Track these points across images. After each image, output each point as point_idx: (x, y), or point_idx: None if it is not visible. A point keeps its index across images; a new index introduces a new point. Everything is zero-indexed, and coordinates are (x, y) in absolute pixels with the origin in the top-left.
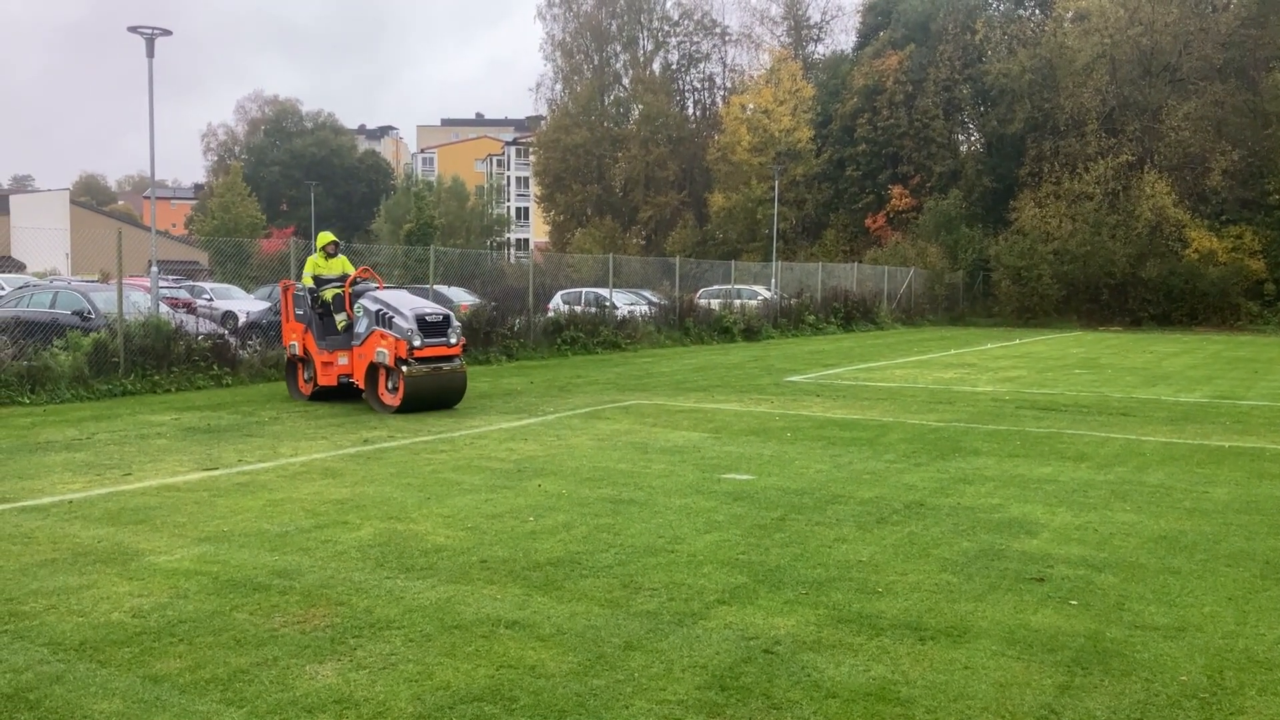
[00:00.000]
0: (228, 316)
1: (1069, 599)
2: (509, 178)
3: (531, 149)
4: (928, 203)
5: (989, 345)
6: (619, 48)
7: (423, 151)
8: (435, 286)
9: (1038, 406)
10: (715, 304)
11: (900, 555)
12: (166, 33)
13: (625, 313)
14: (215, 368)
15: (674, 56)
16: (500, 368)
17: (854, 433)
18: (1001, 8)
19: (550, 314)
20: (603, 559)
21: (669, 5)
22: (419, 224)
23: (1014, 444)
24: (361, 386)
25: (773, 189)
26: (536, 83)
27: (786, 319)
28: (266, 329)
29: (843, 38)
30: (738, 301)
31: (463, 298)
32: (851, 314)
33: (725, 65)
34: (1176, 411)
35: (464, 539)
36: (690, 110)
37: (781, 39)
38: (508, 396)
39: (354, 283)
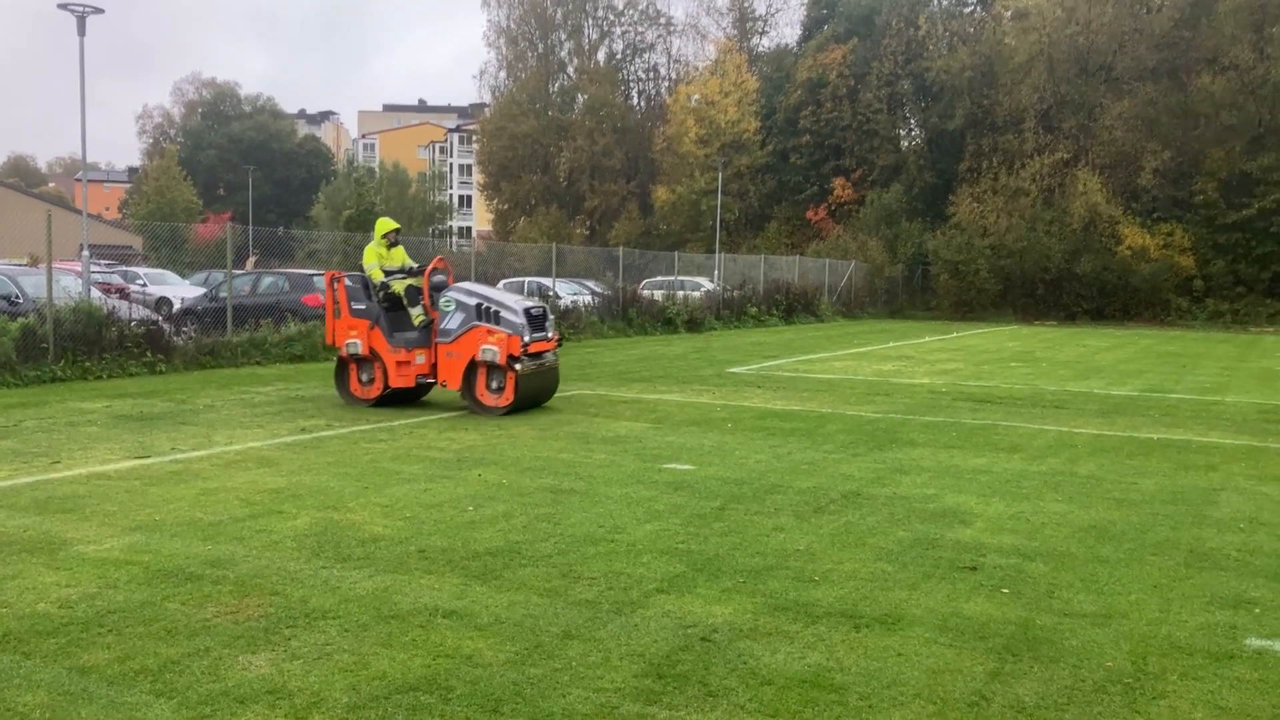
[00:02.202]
0: (162, 302)
1: (1000, 587)
2: (452, 165)
3: (475, 137)
4: (869, 196)
5: (927, 338)
6: (564, 36)
7: (364, 137)
8: None
9: (974, 399)
10: (659, 295)
11: (837, 544)
12: (98, 11)
13: (569, 303)
14: (149, 354)
15: (619, 46)
16: None
17: (794, 424)
18: (943, 4)
19: None
20: (542, 548)
21: None
22: (359, 210)
23: (950, 435)
24: (451, 387)
25: (716, 180)
26: (480, 70)
27: (729, 311)
28: (202, 315)
29: (787, 31)
30: (681, 293)
31: None
32: (793, 306)
33: (670, 56)
34: (1108, 404)
35: (402, 529)
36: (635, 101)
37: (727, 30)
38: None
39: (431, 273)
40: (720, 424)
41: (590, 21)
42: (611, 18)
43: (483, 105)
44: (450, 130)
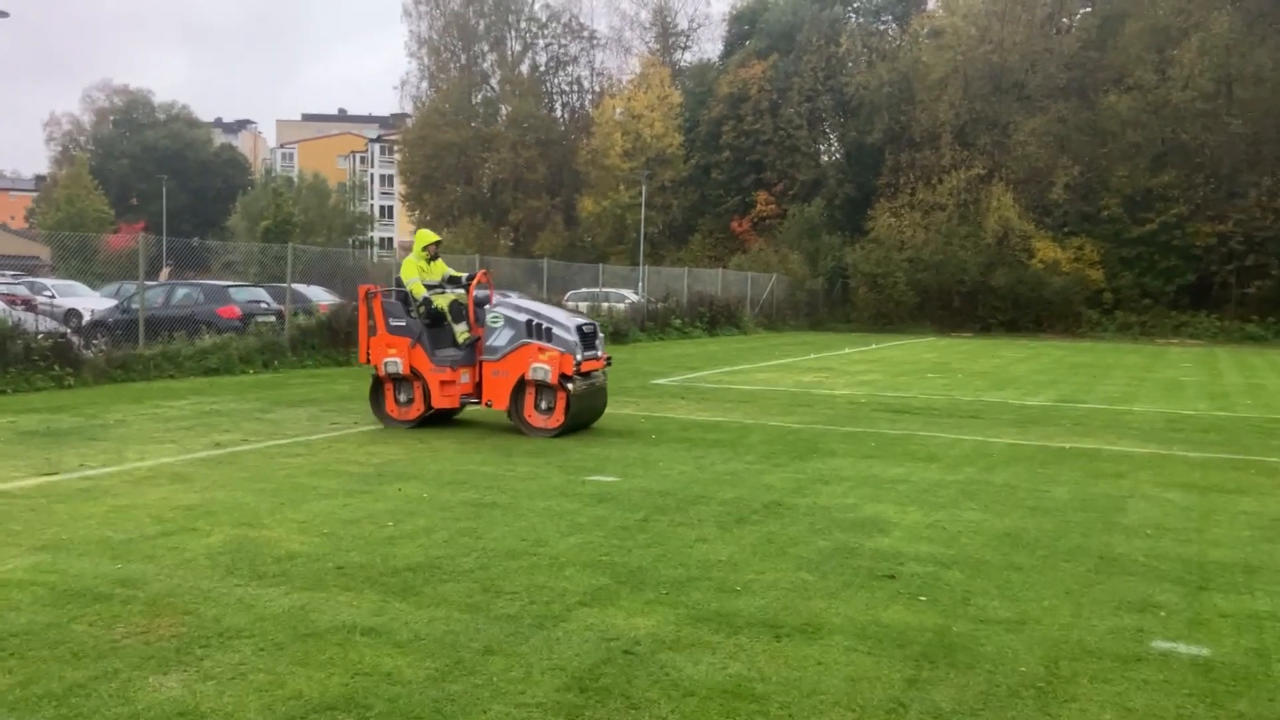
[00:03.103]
0: (71, 314)
1: (918, 595)
2: (373, 175)
3: (397, 147)
4: (791, 210)
5: (847, 350)
6: (486, 47)
7: (282, 147)
8: (293, 285)
9: (892, 409)
10: (583, 307)
11: (759, 554)
12: (2, 14)
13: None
14: (56, 368)
15: (542, 58)
16: (362, 369)
17: (717, 435)
18: (861, 21)
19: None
20: (463, 563)
21: (537, 7)
22: (277, 221)
23: (869, 445)
24: (497, 407)
25: (641, 194)
26: (402, 80)
27: (653, 322)
28: (113, 327)
29: (709, 46)
30: (605, 305)
31: (322, 297)
32: (716, 318)
33: (594, 69)
34: (1022, 414)
35: (319, 545)
36: (559, 113)
37: (650, 45)
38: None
39: (475, 287)
40: (644, 435)
41: (513, 33)
42: (534, 30)
43: (404, 115)
44: (371, 140)
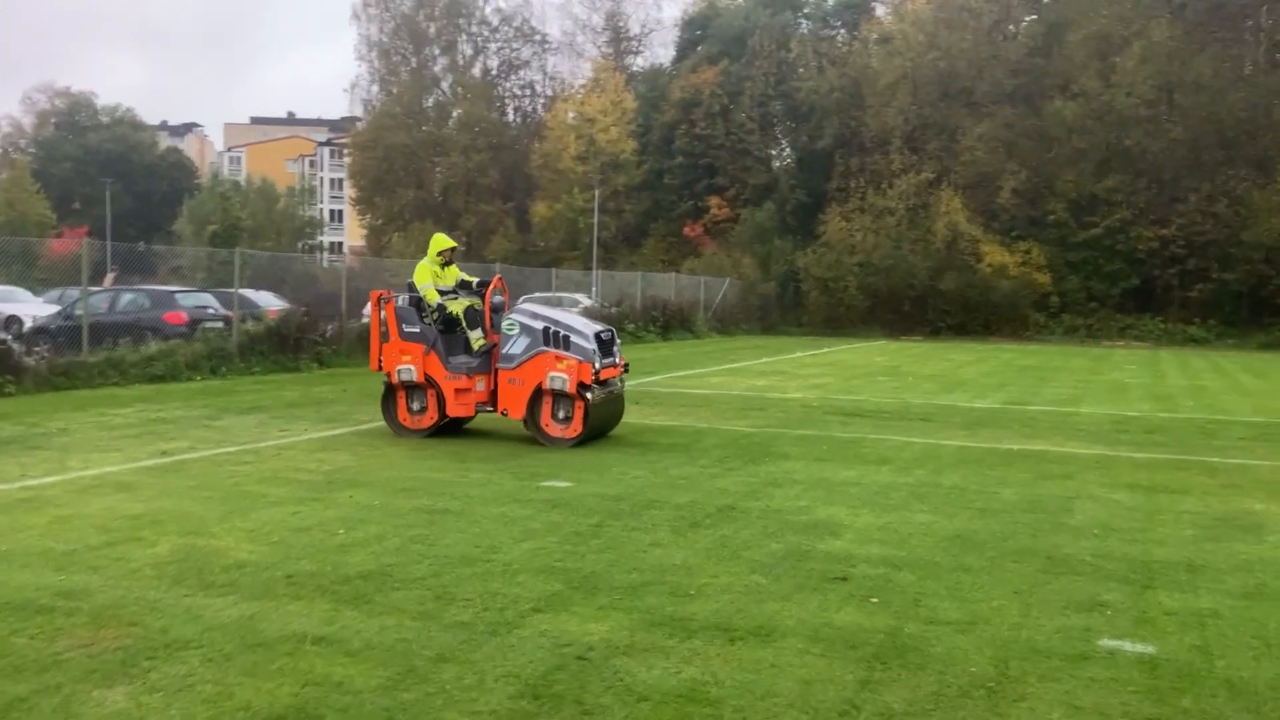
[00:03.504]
0: (11, 321)
1: (870, 597)
2: (322, 179)
3: (347, 150)
4: (743, 214)
5: (799, 354)
6: (438, 51)
7: (230, 150)
8: (241, 291)
9: (844, 412)
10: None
11: (712, 558)
12: None
13: None
14: None
15: (494, 62)
16: (311, 375)
17: (671, 439)
18: (811, 27)
19: (365, 320)
20: (416, 570)
21: (489, 10)
22: (224, 225)
23: (821, 448)
24: (513, 416)
25: (594, 198)
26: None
27: None
28: (56, 334)
29: (661, 51)
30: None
31: (271, 302)
32: (670, 322)
33: (546, 73)
34: (971, 417)
35: (268, 554)
36: (511, 117)
37: (603, 49)
38: (319, 405)
39: (491, 293)
40: (598, 441)
41: (464, 37)
42: (486, 33)
43: (354, 119)
44: (321, 144)
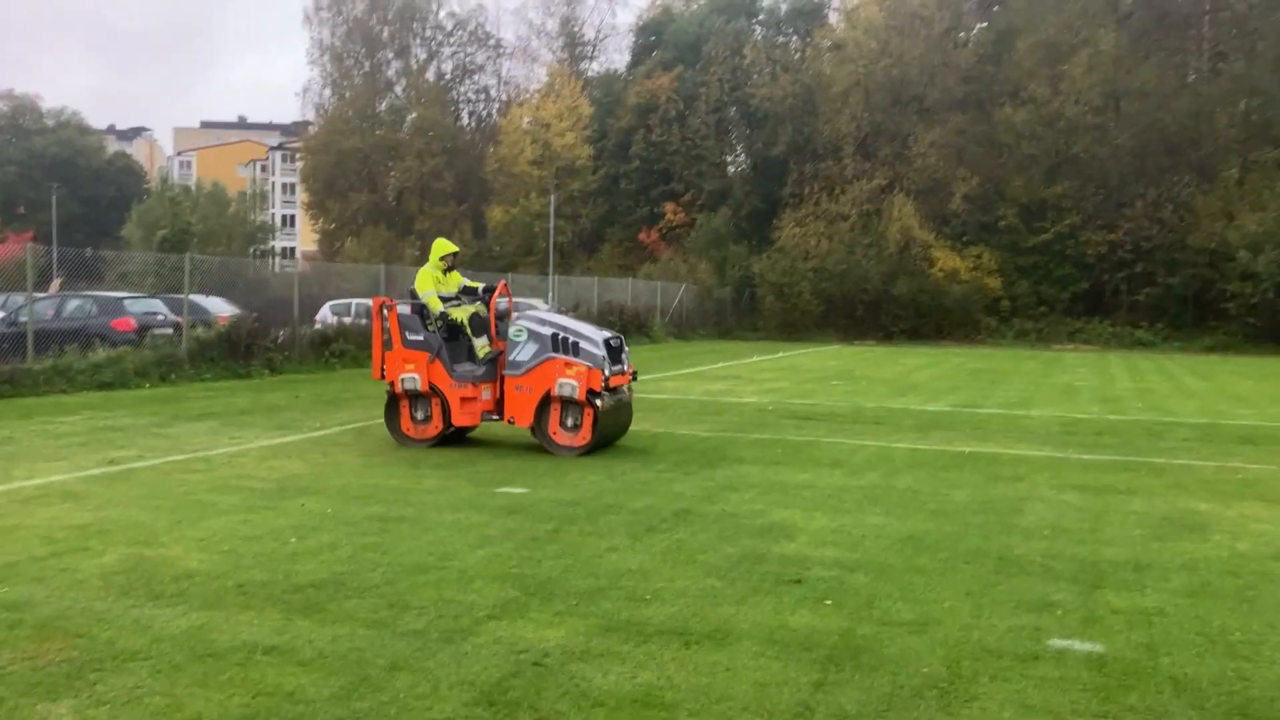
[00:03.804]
0: None
1: (824, 599)
2: (274, 183)
3: (299, 154)
4: (699, 220)
5: (755, 358)
6: (391, 55)
7: (180, 154)
8: (192, 297)
9: (798, 416)
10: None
11: (669, 562)
12: None
13: None
14: None
15: (448, 67)
16: (263, 382)
17: (627, 443)
18: (765, 33)
19: (318, 326)
20: (369, 578)
21: (442, 15)
22: (174, 230)
23: (776, 452)
24: (520, 425)
25: (550, 203)
26: (304, 87)
27: None
28: (0, 341)
29: (616, 56)
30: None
31: (221, 308)
32: (627, 328)
33: (500, 78)
34: (923, 419)
35: (219, 563)
36: (466, 121)
37: (558, 54)
38: (270, 412)
39: (496, 299)
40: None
41: (417, 41)
42: (440, 38)
43: (307, 123)
44: (272, 148)
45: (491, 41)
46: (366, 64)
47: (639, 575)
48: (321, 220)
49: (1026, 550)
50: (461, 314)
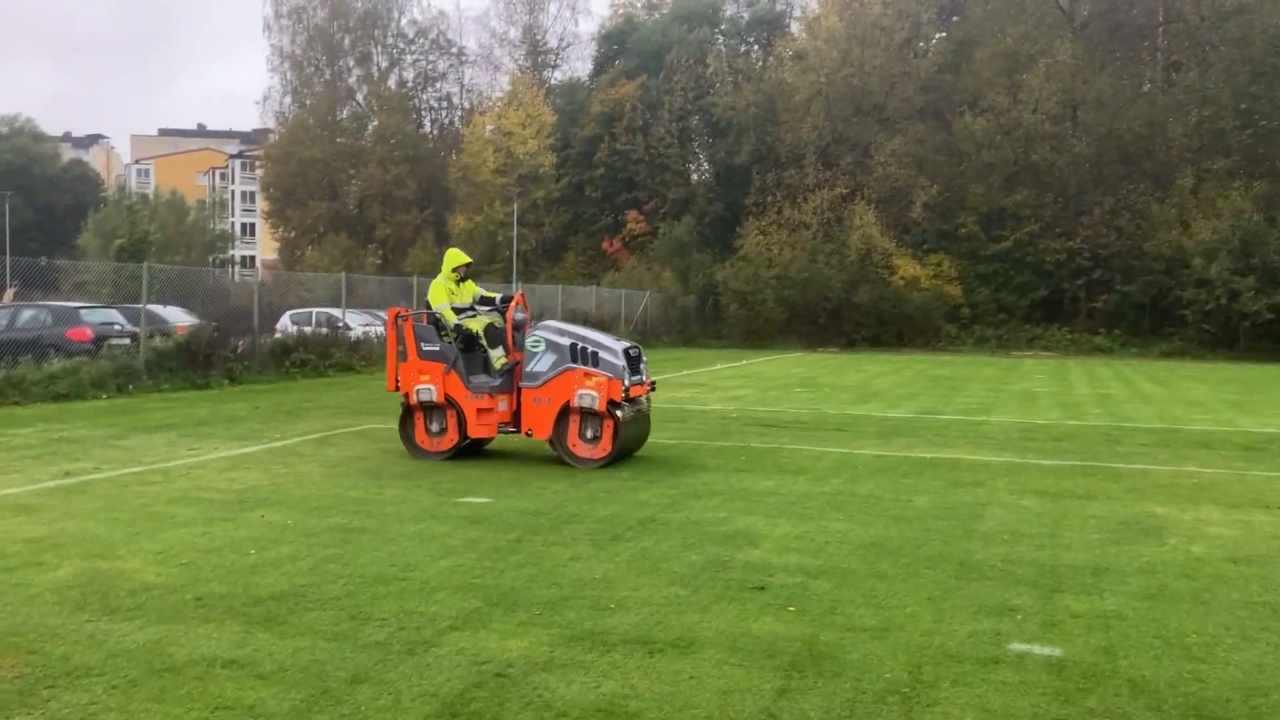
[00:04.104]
0: None
1: (787, 605)
2: (234, 192)
3: (259, 162)
4: (662, 228)
5: (719, 366)
6: (352, 63)
7: (138, 162)
8: (149, 306)
9: (762, 423)
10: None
11: (633, 570)
12: None
13: (360, 333)
14: None
15: (410, 74)
16: (223, 392)
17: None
18: (728, 44)
19: (278, 335)
20: (330, 590)
21: (404, 23)
22: (132, 239)
23: (740, 459)
24: (538, 436)
25: (513, 211)
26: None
27: None
28: None
29: (579, 65)
30: None
31: (180, 318)
32: None
33: (463, 85)
34: (885, 426)
35: (177, 576)
36: (428, 129)
37: (520, 63)
38: (230, 423)
39: (513, 310)
40: (518, 455)
41: (379, 49)
42: (401, 45)
43: (267, 131)
44: (232, 156)
45: (454, 49)
46: (327, 72)
47: (603, 584)
48: (282, 229)
49: (987, 555)
50: (476, 324)
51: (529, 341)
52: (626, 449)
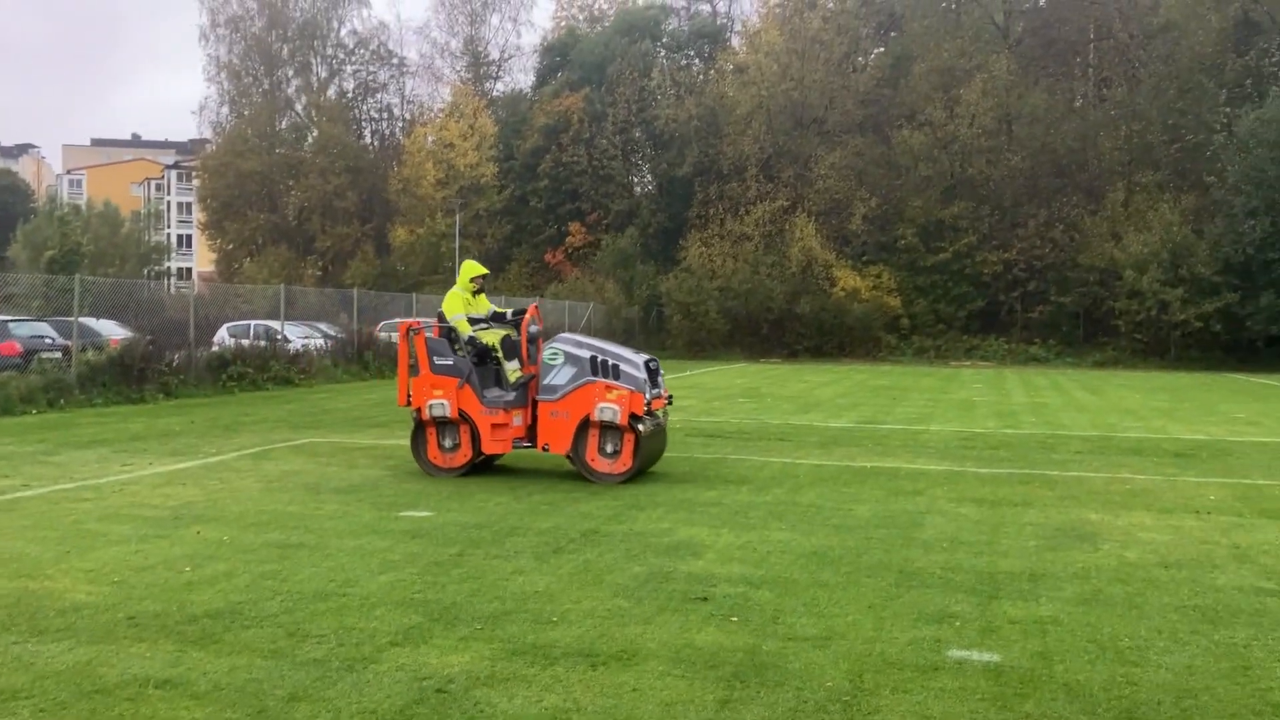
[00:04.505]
0: None
1: (730, 616)
2: (170, 203)
3: (196, 173)
4: (605, 240)
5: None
6: (291, 73)
7: (70, 173)
8: (81, 319)
9: (705, 433)
10: (397, 337)
11: (575, 583)
12: None
13: (299, 346)
14: None
15: (350, 85)
16: (158, 406)
17: (534, 463)
18: (670, 57)
19: (215, 348)
20: (267, 607)
21: (344, 33)
22: (63, 251)
23: (683, 469)
24: (556, 451)
25: (455, 223)
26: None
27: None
28: None
29: (521, 76)
30: None
31: (114, 331)
32: None
33: (404, 97)
34: (826, 436)
35: (109, 595)
36: (369, 140)
37: (462, 74)
38: (165, 438)
39: (529, 323)
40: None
41: (319, 59)
42: (341, 56)
43: (204, 141)
44: (168, 167)
45: (394, 60)
46: (266, 82)
47: (545, 597)
48: (219, 240)
49: (926, 563)
50: (493, 337)
51: (546, 354)
52: (645, 463)
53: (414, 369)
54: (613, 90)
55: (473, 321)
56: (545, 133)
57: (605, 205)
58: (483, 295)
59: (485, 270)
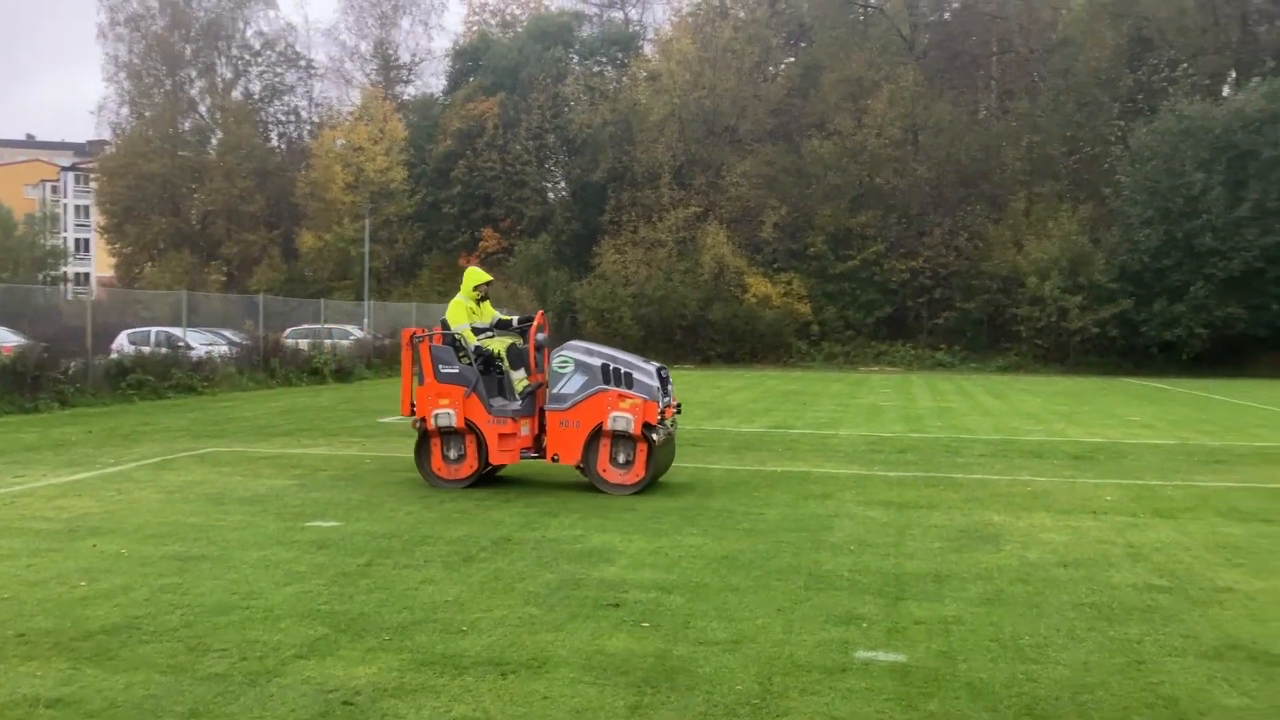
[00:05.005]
0: None
1: (641, 621)
2: (66, 205)
3: (94, 176)
4: (519, 246)
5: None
6: (195, 74)
7: None
8: None
9: None
10: (304, 344)
11: (486, 592)
12: None
13: (202, 353)
14: None
15: (256, 86)
16: (53, 416)
17: (513, 473)
18: (582, 63)
19: (114, 355)
20: (166, 621)
21: (250, 34)
22: None
23: None
24: (565, 461)
25: (364, 228)
26: (99, 105)
27: (380, 359)
28: None
29: (433, 80)
30: (329, 341)
31: (6, 338)
32: None
33: (312, 99)
34: (739, 441)
35: None
36: (275, 143)
37: (372, 77)
38: (60, 448)
39: (536, 331)
40: (369, 476)
41: (223, 60)
42: (247, 57)
43: (103, 143)
44: (65, 168)
45: (302, 62)
46: (168, 82)
47: (455, 606)
48: (119, 244)
49: (835, 565)
50: (498, 345)
51: (556, 362)
52: (657, 472)
53: (419, 378)
54: (526, 95)
55: (478, 330)
56: (458, 137)
57: (519, 211)
58: (487, 303)
59: (489, 277)
